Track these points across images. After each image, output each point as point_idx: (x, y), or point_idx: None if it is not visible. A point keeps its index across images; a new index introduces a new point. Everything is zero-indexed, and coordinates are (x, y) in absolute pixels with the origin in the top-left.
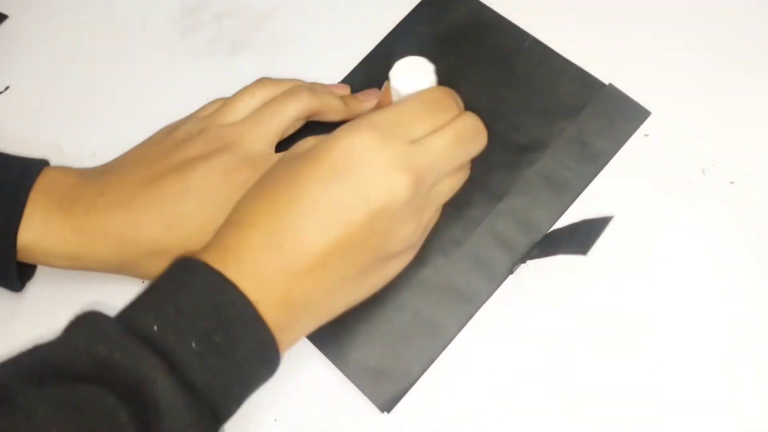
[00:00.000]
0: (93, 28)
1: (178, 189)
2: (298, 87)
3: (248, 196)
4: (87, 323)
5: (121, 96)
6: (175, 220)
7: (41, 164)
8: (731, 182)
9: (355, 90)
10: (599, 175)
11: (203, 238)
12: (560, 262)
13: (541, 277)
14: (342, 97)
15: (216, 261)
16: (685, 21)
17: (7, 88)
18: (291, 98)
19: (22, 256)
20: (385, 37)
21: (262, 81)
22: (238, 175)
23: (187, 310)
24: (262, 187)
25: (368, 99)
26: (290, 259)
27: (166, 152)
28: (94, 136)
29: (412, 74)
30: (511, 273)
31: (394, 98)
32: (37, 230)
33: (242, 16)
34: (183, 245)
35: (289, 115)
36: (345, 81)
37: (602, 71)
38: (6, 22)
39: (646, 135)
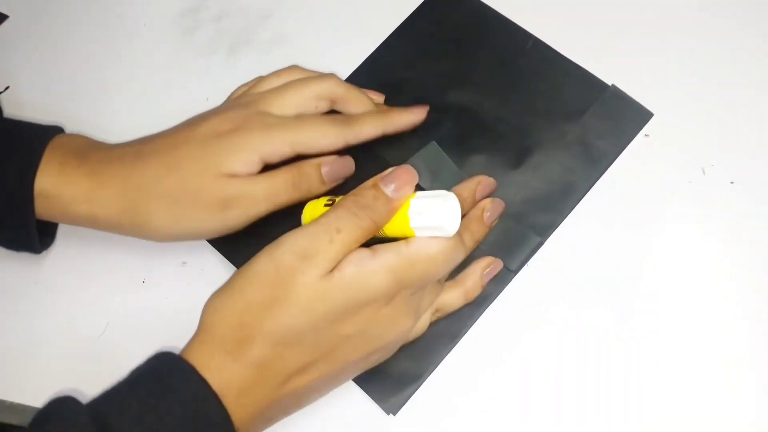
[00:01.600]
0: (93, 28)
1: (186, 136)
2: (326, 74)
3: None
4: (56, 418)
5: (121, 96)
6: (177, 161)
7: (58, 128)
8: (731, 182)
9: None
10: (600, 177)
11: (203, 182)
12: (563, 263)
13: (544, 278)
14: (380, 106)
15: (201, 361)
16: (685, 21)
17: (7, 88)
18: (316, 78)
19: (39, 204)
20: (387, 38)
21: (293, 67)
22: (247, 127)
23: (168, 420)
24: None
25: (406, 114)
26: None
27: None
28: (94, 135)
29: (435, 217)
30: (516, 273)
31: (412, 223)
32: (53, 175)
33: (242, 16)
34: (184, 187)
35: (311, 90)
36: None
37: (604, 72)
38: (6, 22)
39: (646, 135)
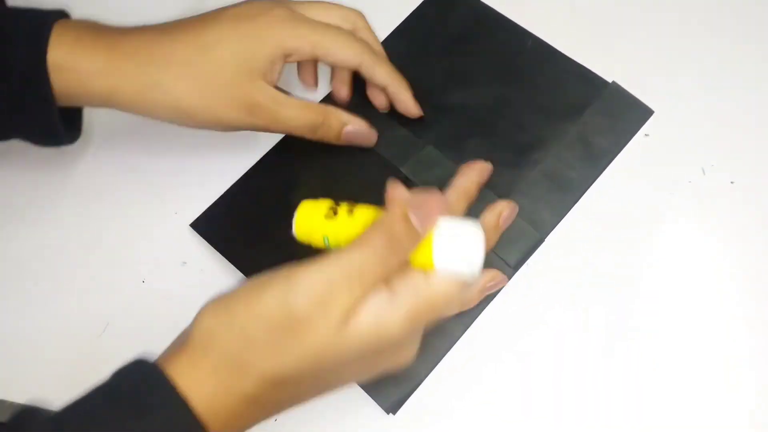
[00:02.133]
0: None
1: (215, 16)
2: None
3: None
4: None
5: None
6: (210, 43)
7: (63, 11)
8: (731, 182)
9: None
10: (600, 175)
11: (238, 77)
12: (562, 262)
13: (543, 277)
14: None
15: (188, 384)
16: (685, 21)
17: None
18: (346, 7)
19: (54, 78)
20: (386, 37)
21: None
22: (275, 15)
23: None
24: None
25: (413, 102)
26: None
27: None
28: (94, 135)
29: (461, 256)
30: (515, 270)
31: (437, 261)
32: (67, 47)
33: None
34: (216, 74)
35: (339, 11)
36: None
37: (605, 70)
38: None
39: (646, 135)
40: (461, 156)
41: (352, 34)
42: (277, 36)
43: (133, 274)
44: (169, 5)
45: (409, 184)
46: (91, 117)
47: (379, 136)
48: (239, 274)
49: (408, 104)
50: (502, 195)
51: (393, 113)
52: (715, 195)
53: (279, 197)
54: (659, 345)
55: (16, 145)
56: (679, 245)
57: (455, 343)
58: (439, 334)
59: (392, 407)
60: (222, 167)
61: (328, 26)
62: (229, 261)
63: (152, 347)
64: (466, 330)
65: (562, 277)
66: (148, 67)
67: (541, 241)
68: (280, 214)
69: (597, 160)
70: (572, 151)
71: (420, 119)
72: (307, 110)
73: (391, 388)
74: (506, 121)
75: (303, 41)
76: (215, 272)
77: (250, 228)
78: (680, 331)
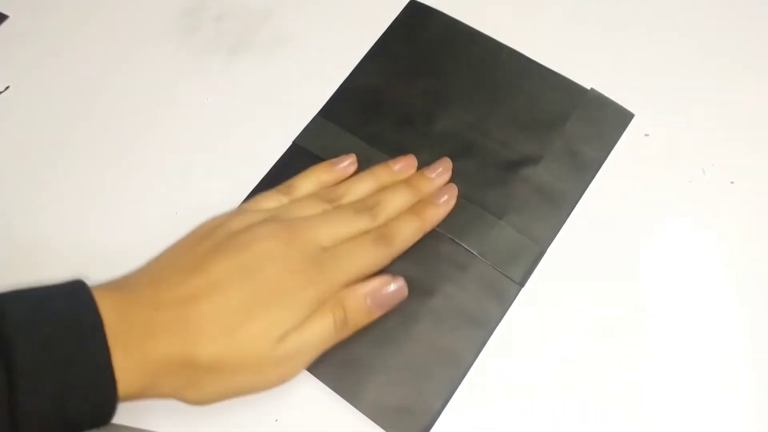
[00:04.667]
0: (93, 28)
1: (242, 288)
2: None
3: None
4: None
5: (121, 95)
6: (238, 325)
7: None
8: (731, 182)
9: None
10: (599, 175)
11: (263, 351)
12: (563, 265)
13: (545, 281)
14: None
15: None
16: (685, 19)
17: (7, 88)
18: (352, 185)
19: None
20: (358, 64)
21: (320, 167)
22: (308, 279)
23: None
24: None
25: (441, 209)
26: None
27: (217, 242)
28: (94, 135)
29: None
30: (522, 286)
31: None
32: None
33: (242, 16)
34: (244, 356)
35: (357, 220)
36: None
37: (589, 77)
38: (6, 22)
39: (646, 135)
40: (451, 179)
41: (370, 242)
42: (307, 300)
43: None
44: (170, 5)
45: None
46: (91, 115)
47: (365, 164)
48: None
49: (444, 215)
50: (495, 214)
51: (374, 141)
52: (715, 195)
53: None
54: (659, 345)
55: (17, 145)
56: (679, 245)
57: (469, 369)
58: (451, 362)
59: None
60: (224, 165)
61: (348, 251)
62: None
63: None
64: (478, 354)
65: (563, 280)
66: (182, 371)
67: (542, 253)
68: None
69: (585, 169)
70: (560, 162)
71: (401, 143)
72: (323, 314)
73: (409, 423)
74: (491, 140)
75: (332, 288)
76: None
77: None
78: (680, 331)
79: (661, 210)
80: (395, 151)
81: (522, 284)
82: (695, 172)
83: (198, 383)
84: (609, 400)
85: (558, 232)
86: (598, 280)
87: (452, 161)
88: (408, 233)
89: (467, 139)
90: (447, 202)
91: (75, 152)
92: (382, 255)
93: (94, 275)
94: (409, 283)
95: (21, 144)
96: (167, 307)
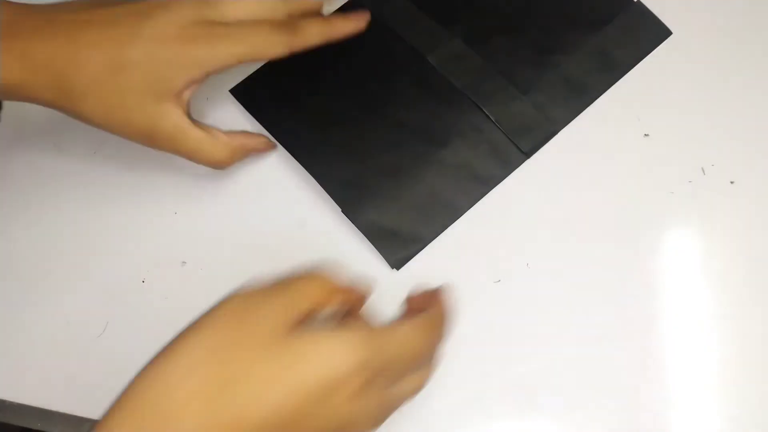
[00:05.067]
0: None
1: (130, 32)
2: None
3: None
4: None
5: None
6: (118, 64)
7: None
8: (731, 182)
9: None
10: (599, 174)
11: (142, 94)
12: (560, 262)
13: (540, 274)
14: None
15: None
16: (684, 19)
17: None
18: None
19: None
20: None
21: None
22: (194, 38)
23: None
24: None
25: (349, 23)
26: None
27: None
28: (95, 135)
29: None
30: (528, 156)
31: None
32: None
33: None
34: (121, 93)
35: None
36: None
37: None
38: None
39: (646, 135)
40: (487, 52)
41: (273, 27)
42: (197, 60)
43: (133, 274)
44: None
45: (435, 74)
46: None
47: (406, 25)
48: (240, 275)
49: (352, 30)
50: (521, 90)
51: (421, 3)
52: (715, 195)
53: (312, 75)
54: (658, 345)
55: (17, 145)
56: (679, 245)
57: (461, 216)
58: (446, 207)
59: (397, 263)
60: None
61: (247, 30)
62: (265, 128)
63: (152, 347)
64: (472, 206)
65: (560, 279)
66: (61, 85)
67: (554, 133)
68: (315, 87)
69: (612, 71)
70: (591, 59)
71: (449, 12)
72: (213, 147)
73: (397, 246)
74: (533, 24)
75: (226, 60)
76: (215, 272)
77: (287, 98)
78: (680, 332)
79: (661, 210)
80: (440, 16)
81: (528, 155)
82: (695, 172)
83: (74, 100)
84: (603, 400)
85: (573, 119)
86: (593, 277)
87: (493, 35)
88: (313, 30)
89: (513, 18)
90: (357, 19)
91: (74, 151)
92: (279, 40)
93: None
94: (428, 130)
95: (20, 143)
96: (61, 23)
